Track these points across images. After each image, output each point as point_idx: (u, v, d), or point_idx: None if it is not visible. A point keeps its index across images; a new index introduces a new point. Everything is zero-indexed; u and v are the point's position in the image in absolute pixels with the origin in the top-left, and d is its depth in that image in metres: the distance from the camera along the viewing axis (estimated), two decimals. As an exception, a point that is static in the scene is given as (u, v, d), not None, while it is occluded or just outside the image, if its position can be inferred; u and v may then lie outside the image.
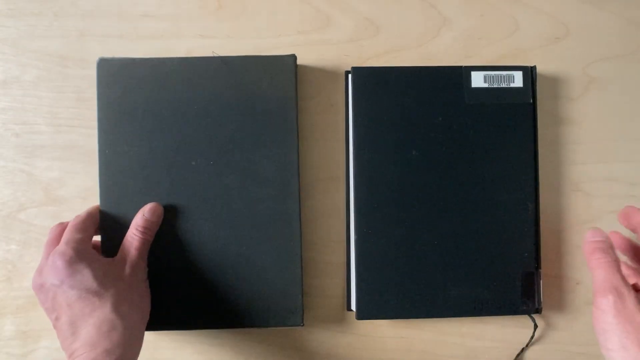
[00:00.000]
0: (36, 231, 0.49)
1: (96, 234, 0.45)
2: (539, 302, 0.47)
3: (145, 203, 0.45)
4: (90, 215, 0.44)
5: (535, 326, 0.48)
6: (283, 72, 0.46)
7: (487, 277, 0.47)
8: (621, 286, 0.37)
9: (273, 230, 0.45)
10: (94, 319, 0.38)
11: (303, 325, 0.45)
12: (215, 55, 0.46)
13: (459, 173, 0.47)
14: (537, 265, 0.47)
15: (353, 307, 0.47)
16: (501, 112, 0.47)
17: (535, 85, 0.48)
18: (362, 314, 0.46)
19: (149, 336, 0.49)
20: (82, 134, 0.49)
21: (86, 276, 0.39)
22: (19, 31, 0.50)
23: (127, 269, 0.42)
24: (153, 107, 0.45)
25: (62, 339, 0.39)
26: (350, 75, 0.47)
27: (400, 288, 0.46)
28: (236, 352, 0.49)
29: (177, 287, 0.45)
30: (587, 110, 0.50)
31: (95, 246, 0.44)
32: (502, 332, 0.49)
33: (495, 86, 0.47)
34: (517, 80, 0.48)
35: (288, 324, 0.45)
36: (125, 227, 0.44)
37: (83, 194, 0.49)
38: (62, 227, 0.43)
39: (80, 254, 0.40)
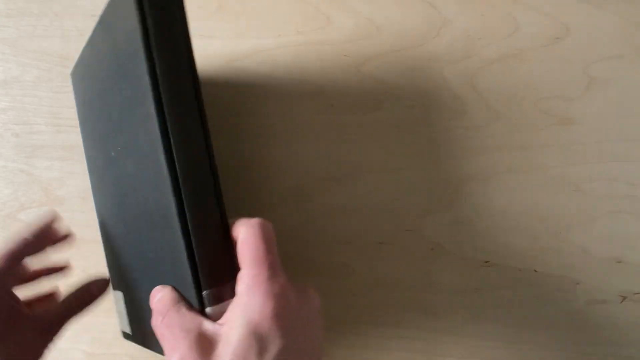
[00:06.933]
0: (36, 231, 0.49)
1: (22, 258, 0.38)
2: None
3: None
4: (11, 248, 0.36)
5: None
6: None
7: None
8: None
9: (154, 224, 0.33)
10: None
11: (303, 325, 0.45)
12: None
13: None
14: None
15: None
16: None
17: None
18: None
19: (149, 336, 0.49)
20: (82, 134, 0.49)
21: None
22: (19, 31, 0.50)
23: None
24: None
25: None
26: None
27: None
28: (236, 352, 0.49)
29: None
30: (587, 110, 0.50)
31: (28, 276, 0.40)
32: (502, 332, 0.49)
33: None
34: None
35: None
36: None
37: (83, 194, 0.49)
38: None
39: None
